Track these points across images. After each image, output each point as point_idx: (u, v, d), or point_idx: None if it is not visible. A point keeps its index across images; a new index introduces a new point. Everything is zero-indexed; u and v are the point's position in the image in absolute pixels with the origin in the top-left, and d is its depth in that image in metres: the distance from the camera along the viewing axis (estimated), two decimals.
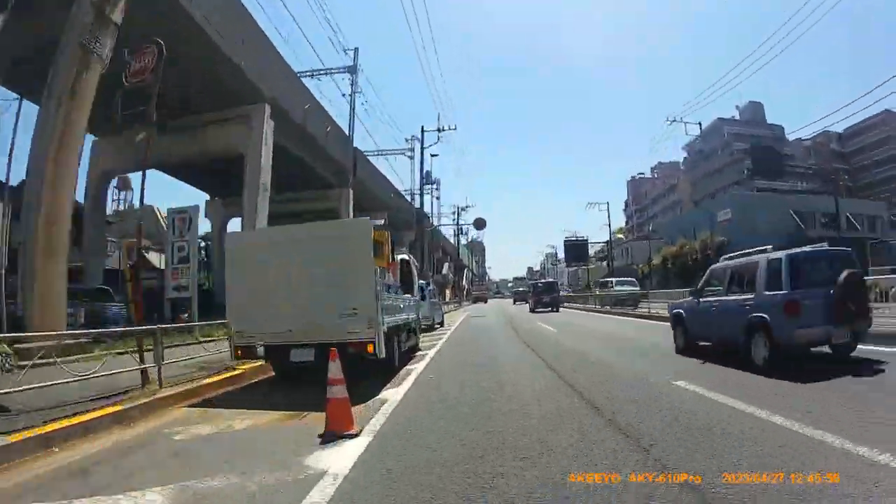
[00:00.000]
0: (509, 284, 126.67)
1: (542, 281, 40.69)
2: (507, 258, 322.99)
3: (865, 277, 7.63)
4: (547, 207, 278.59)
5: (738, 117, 62.53)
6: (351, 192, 28.94)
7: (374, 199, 35.57)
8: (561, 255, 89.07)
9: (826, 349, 6.62)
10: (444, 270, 66.03)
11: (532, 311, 29.10)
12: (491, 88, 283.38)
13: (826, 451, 3.20)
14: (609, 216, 50.42)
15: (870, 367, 6.02)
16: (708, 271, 8.63)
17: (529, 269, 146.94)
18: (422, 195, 38.30)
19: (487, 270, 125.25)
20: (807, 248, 7.07)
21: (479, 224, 44.83)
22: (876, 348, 6.94)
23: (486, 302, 61.30)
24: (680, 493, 2.66)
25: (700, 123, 42.08)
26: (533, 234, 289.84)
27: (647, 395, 5.28)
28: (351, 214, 28.52)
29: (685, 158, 69.01)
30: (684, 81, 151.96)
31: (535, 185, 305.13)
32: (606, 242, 56.66)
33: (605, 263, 59.48)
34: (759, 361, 6.34)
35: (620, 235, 62.67)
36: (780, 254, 6.69)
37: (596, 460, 3.24)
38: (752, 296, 6.82)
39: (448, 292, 58.08)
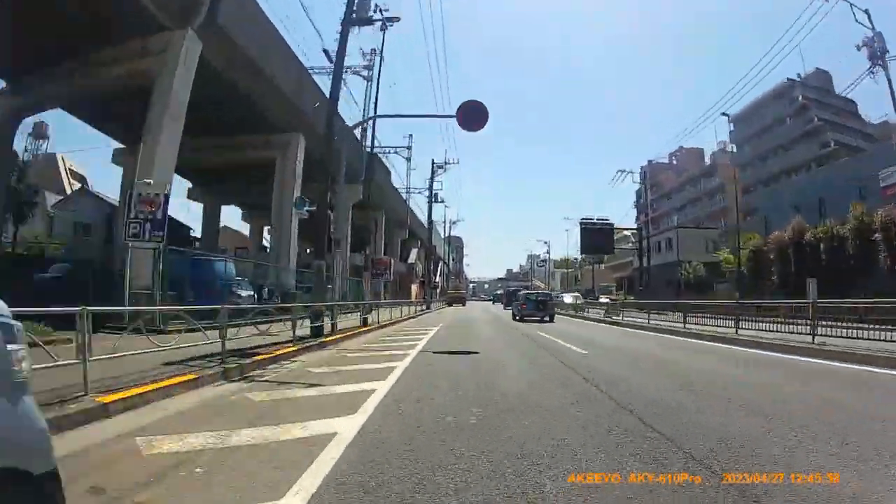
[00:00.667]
0: (486, 286, 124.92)
1: (513, 288, 52.45)
2: (485, 258, 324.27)
3: (547, 299, 24.56)
4: (533, 207, 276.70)
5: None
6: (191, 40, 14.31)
7: (275, 98, 19.29)
8: (560, 251, 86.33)
9: (546, 319, 22.09)
10: (412, 258, 52.55)
11: (504, 308, 39.69)
12: (489, 76, 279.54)
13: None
14: (646, 189, 40.84)
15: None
16: (515, 293, 32.85)
17: (509, 270, 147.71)
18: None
19: (465, 268, 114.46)
20: (532, 291, 29.07)
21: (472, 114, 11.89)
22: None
23: (464, 304, 52.60)
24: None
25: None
26: (514, 233, 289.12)
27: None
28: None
29: (731, 132, 52.45)
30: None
31: (523, 184, 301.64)
32: (637, 229, 43.04)
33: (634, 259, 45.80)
34: (519, 319, 22.52)
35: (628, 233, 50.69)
36: (523, 292, 27.98)
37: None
38: (517, 302, 25.14)
39: (415, 289, 47.66)
